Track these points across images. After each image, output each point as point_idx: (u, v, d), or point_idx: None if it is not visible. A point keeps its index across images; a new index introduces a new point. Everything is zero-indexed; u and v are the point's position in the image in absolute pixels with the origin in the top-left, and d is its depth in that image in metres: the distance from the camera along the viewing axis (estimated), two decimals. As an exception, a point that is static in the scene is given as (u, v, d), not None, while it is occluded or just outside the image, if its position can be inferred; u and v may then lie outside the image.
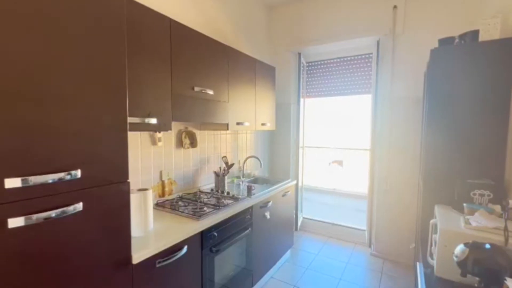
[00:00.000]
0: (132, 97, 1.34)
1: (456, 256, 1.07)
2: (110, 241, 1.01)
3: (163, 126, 1.52)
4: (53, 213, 0.85)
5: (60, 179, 0.86)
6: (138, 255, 1.13)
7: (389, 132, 2.66)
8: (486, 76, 1.56)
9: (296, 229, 3.32)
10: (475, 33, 1.68)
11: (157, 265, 1.23)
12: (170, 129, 1.56)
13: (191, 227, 1.44)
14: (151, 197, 1.40)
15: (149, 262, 1.18)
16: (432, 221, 1.42)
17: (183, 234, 1.36)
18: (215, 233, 1.59)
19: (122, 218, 1.04)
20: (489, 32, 1.58)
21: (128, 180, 1.06)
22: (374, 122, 2.77)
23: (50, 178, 0.84)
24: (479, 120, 1.58)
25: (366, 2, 2.67)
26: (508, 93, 1.51)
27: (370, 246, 2.89)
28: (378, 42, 2.62)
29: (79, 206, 0.90)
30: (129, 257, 1.09)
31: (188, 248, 1.39)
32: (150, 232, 1.36)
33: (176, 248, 1.33)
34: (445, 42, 1.84)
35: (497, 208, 1.39)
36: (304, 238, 3.28)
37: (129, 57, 1.30)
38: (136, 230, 1.29)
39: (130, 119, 1.30)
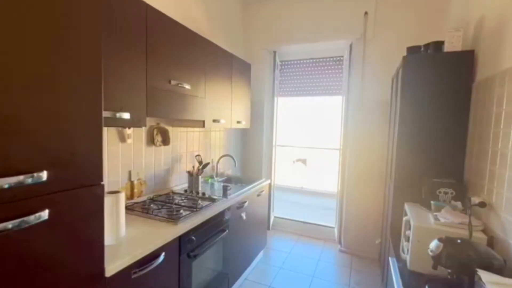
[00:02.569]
0: (105, 90, 1.19)
1: (432, 251, 1.14)
2: (81, 253, 0.87)
3: (137, 122, 1.38)
4: (9, 224, 0.70)
5: (19, 183, 0.71)
6: (112, 267, 1.00)
7: (358, 133, 2.79)
8: (449, 84, 1.71)
9: (268, 228, 3.32)
10: (438, 44, 1.82)
11: (133, 276, 1.11)
12: (145, 125, 1.43)
13: (168, 232, 1.33)
14: (123, 201, 1.26)
15: (124, 273, 1.06)
16: (405, 218, 1.50)
17: (160, 240, 1.25)
18: (193, 237, 1.50)
19: (95, 226, 0.91)
20: (453, 44, 1.72)
21: (103, 183, 0.93)
22: (345, 123, 2.88)
23: (5, 182, 0.69)
24: (442, 124, 1.72)
25: (340, 6, 2.76)
26: (468, 99, 1.67)
27: (339, 243, 3.01)
28: (351, 46, 2.73)
29: (44, 214, 0.76)
30: (102, 270, 0.96)
31: (165, 255, 1.28)
32: (123, 239, 1.23)
33: (153, 256, 1.21)
34: (412, 50, 1.97)
35: (459, 204, 1.53)
36: (276, 237, 3.30)
37: (104, 47, 1.15)
38: (108, 237, 1.14)
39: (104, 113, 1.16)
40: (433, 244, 1.16)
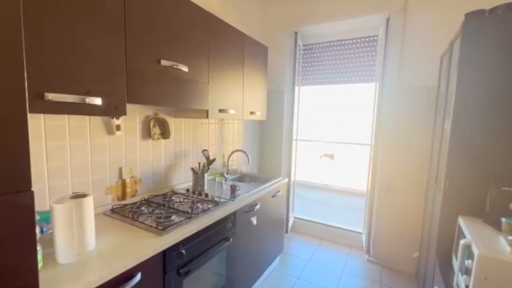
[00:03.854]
0: (62, 66, 0.94)
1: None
2: (-7, 288, 0.63)
3: (113, 110, 1.12)
4: None
5: None
6: (54, 299, 0.76)
7: (394, 126, 2.34)
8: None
9: (286, 231, 3.00)
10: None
11: (91, 307, 0.86)
12: (125, 114, 1.17)
13: (148, 246, 1.08)
14: (91, 206, 1.02)
15: (75, 305, 0.82)
16: (463, 241, 1.10)
17: (134, 258, 0.99)
18: (183, 251, 1.23)
19: (17, 250, 0.66)
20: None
21: (32, 189, 0.68)
22: (378, 114, 2.44)
23: None
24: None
25: (375, -27, 2.29)
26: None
27: (368, 252, 2.60)
28: (387, 21, 2.25)
29: None
30: (35, 305, 0.72)
31: (143, 275, 1.03)
32: (89, 255, 0.99)
33: (124, 277, 0.96)
34: (475, 15, 1.50)
35: (544, 225, 1.09)
36: (295, 241, 2.97)
37: (50, 2, 0.90)
38: (64, 254, 0.92)
39: (57, 97, 0.92)
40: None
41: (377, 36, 2.61)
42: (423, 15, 2.13)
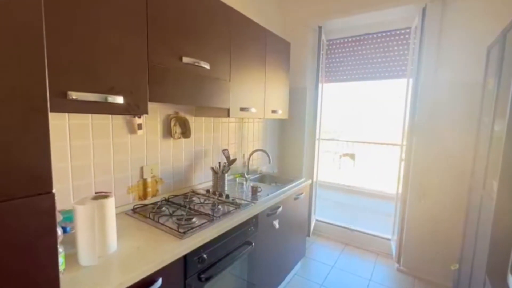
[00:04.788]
0: (85, 64, 0.92)
1: None
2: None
3: (135, 108, 1.09)
4: None
5: None
6: (74, 305, 0.73)
7: (431, 126, 2.15)
8: None
9: (308, 234, 2.89)
10: None
11: (111, 314, 0.83)
12: (146, 113, 1.13)
13: (170, 250, 1.03)
14: (112, 207, 0.99)
15: (95, 312, 0.78)
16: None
17: (155, 263, 0.95)
18: (205, 255, 1.18)
19: (38, 254, 0.63)
20: None
21: (53, 191, 0.65)
22: (412, 113, 2.25)
23: None
24: None
25: (408, -40, 2.11)
26: None
27: (398, 261, 2.43)
28: (423, 11, 2.07)
29: None
30: (55, 312, 0.69)
31: (163, 281, 0.99)
32: (110, 257, 0.96)
33: (145, 282, 0.92)
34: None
35: None
36: (317, 245, 2.85)
37: (79, 4, 0.87)
38: (85, 257, 0.89)
39: (80, 95, 0.90)
40: None
41: (409, 28, 2.43)
42: (466, 3, 1.93)
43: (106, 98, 0.98)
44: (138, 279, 0.89)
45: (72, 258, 0.92)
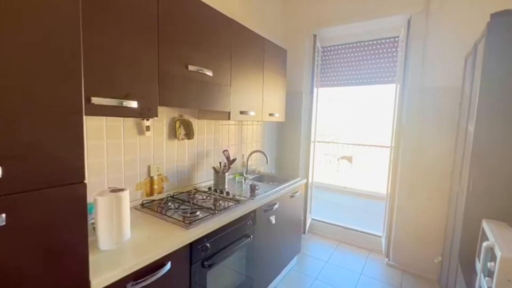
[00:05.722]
0: (104, 73, 1.05)
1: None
2: (54, 266, 0.73)
3: (146, 112, 1.23)
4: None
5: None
6: (100, 280, 0.86)
7: (416, 128, 2.30)
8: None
9: (304, 232, 3.03)
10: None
11: (128, 290, 0.96)
12: (156, 116, 1.27)
13: (177, 238, 1.16)
14: (127, 200, 1.12)
15: (117, 287, 0.91)
16: (486, 243, 1.09)
17: (165, 248, 1.08)
18: (208, 244, 1.31)
19: (73, 233, 0.76)
20: None
21: (85, 181, 0.78)
22: (399, 116, 2.41)
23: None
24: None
25: (396, -25, 2.28)
26: None
27: (387, 256, 2.57)
28: (409, 22, 2.24)
29: (0, 219, 0.62)
30: (85, 284, 0.82)
31: (172, 265, 1.12)
32: (125, 244, 1.09)
33: (156, 265, 1.05)
34: (501, 15, 1.47)
35: None
36: (312, 242, 2.99)
37: (97, 20, 1.01)
38: (105, 242, 1.02)
39: (101, 100, 1.02)
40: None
41: (397, 37, 2.60)
42: (446, 16, 2.10)
43: (121, 103, 1.11)
44: (151, 261, 1.02)
45: (92, 244, 1.04)
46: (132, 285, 0.96)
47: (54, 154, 0.70)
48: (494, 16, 1.49)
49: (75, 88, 0.73)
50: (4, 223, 0.62)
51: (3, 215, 0.62)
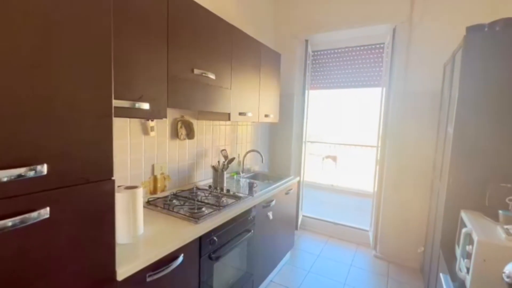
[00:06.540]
0: (120, 77, 1.11)
1: (509, 277, 0.90)
2: (87, 255, 0.80)
3: (157, 113, 1.29)
4: (9, 222, 0.63)
5: (19, 176, 0.64)
6: (124, 270, 0.92)
7: (400, 129, 2.49)
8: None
9: (296, 228, 3.15)
10: (509, 21, 1.49)
11: (148, 279, 1.02)
12: (165, 117, 1.34)
13: (188, 232, 1.24)
14: (141, 196, 1.18)
15: (138, 276, 0.98)
16: (464, 230, 1.25)
17: (179, 241, 1.15)
18: (215, 238, 1.39)
19: (104, 225, 0.82)
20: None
21: (113, 178, 0.84)
22: (385, 118, 2.59)
23: (5, 174, 0.62)
24: (514, 118, 1.41)
25: (382, -14, 2.45)
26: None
27: (375, 248, 2.75)
28: (394, 31, 2.41)
29: (45, 212, 0.68)
30: (113, 273, 0.88)
31: (184, 257, 1.19)
32: (140, 238, 1.15)
33: (171, 257, 1.12)
34: (475, 29, 1.65)
35: (537, 216, 1.24)
36: (304, 237, 3.12)
37: (118, 31, 1.06)
38: (123, 236, 1.08)
39: (117, 103, 1.08)
40: (511, 267, 0.92)
41: (383, 43, 2.77)
42: (428, 27, 2.29)
43: (134, 105, 1.17)
44: (167, 253, 1.09)
45: (107, 239, 1.10)
46: (150, 275, 1.03)
47: (91, 153, 0.77)
48: (469, 29, 1.68)
49: (107, 93, 0.80)
50: (48, 216, 0.68)
51: (48, 209, 0.68)
